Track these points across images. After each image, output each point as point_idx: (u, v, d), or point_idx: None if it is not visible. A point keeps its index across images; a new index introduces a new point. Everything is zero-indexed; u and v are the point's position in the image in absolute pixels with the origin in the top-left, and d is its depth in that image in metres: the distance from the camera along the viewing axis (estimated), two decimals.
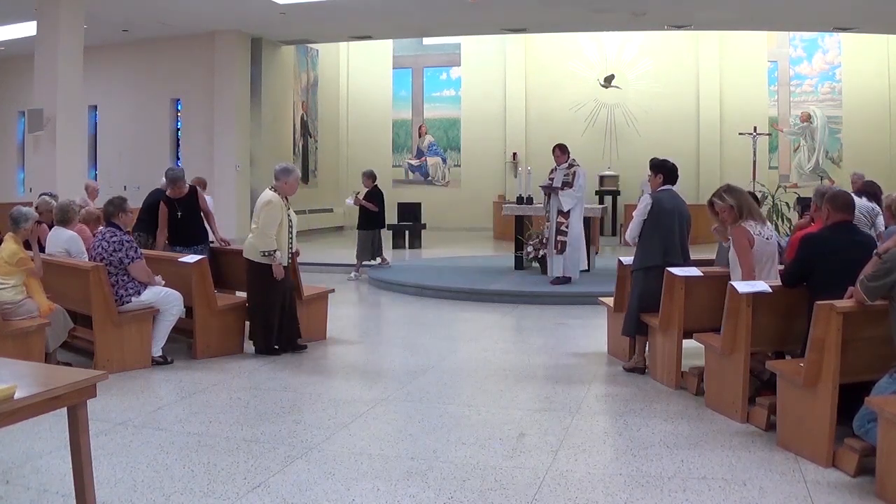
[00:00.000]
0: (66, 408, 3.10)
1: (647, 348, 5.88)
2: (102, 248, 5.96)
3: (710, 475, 3.86)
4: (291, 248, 6.48)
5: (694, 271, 5.44)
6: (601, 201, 16.61)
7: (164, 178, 7.91)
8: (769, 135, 17.49)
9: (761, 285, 4.66)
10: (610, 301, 6.50)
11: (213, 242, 7.84)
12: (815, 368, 3.96)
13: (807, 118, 17.67)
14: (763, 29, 16.88)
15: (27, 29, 13.49)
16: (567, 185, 9.44)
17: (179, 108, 17.01)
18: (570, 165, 9.53)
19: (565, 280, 9.56)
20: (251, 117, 16.52)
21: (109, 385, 4.79)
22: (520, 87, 19.15)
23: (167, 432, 4.50)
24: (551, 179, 9.63)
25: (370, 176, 11.60)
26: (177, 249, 7.39)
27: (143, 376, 5.75)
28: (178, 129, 17.07)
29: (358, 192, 11.68)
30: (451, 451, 4.23)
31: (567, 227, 9.45)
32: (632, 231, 5.98)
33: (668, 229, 5.81)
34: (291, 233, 6.48)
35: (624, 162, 17.90)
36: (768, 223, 5.28)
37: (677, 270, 5.46)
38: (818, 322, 3.94)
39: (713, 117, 18.04)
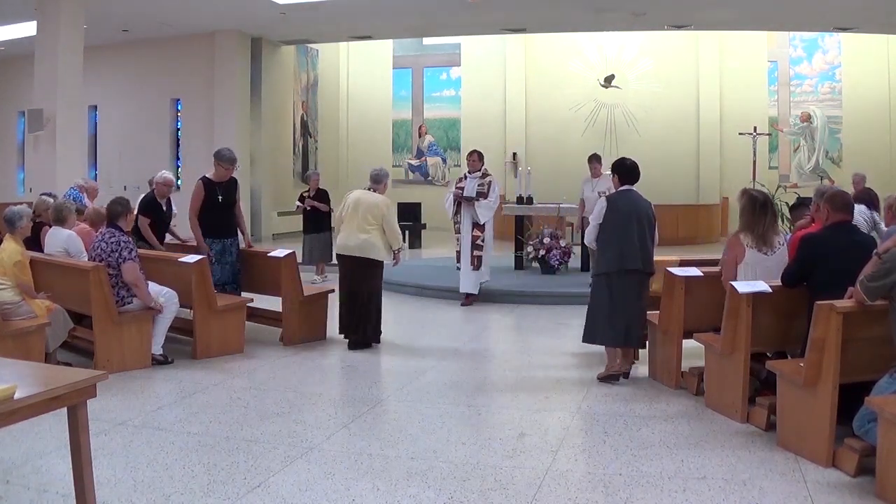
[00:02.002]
0: (66, 408, 3.11)
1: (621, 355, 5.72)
2: (101, 248, 5.96)
3: (710, 475, 3.86)
4: None
5: (694, 271, 5.43)
6: None
7: (157, 179, 7.77)
8: (769, 135, 17.48)
9: (761, 285, 4.66)
10: None
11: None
12: (815, 368, 3.97)
13: (807, 118, 17.67)
14: (763, 29, 16.88)
15: (27, 29, 13.49)
16: (482, 195, 8.79)
17: (179, 108, 17.02)
18: (484, 175, 8.92)
19: (473, 297, 9.00)
20: (251, 117, 16.53)
21: (109, 385, 4.79)
22: (520, 87, 19.13)
23: (167, 432, 4.50)
24: (460, 188, 8.95)
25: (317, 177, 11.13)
26: (209, 241, 6.95)
27: (143, 376, 5.75)
28: (178, 129, 17.07)
29: (305, 193, 11.04)
30: (451, 451, 4.23)
31: (482, 241, 8.85)
32: (588, 236, 5.76)
33: (623, 234, 5.51)
34: None
35: None
36: (779, 236, 5.15)
37: (677, 270, 5.46)
38: (818, 322, 3.94)
39: (713, 117, 18.03)
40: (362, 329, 6.78)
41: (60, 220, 6.52)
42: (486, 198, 8.81)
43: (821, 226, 4.87)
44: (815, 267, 4.50)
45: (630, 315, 5.57)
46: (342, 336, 6.88)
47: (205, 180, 7.08)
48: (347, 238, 6.78)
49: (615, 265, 5.53)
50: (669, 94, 18.08)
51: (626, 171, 5.75)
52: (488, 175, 8.99)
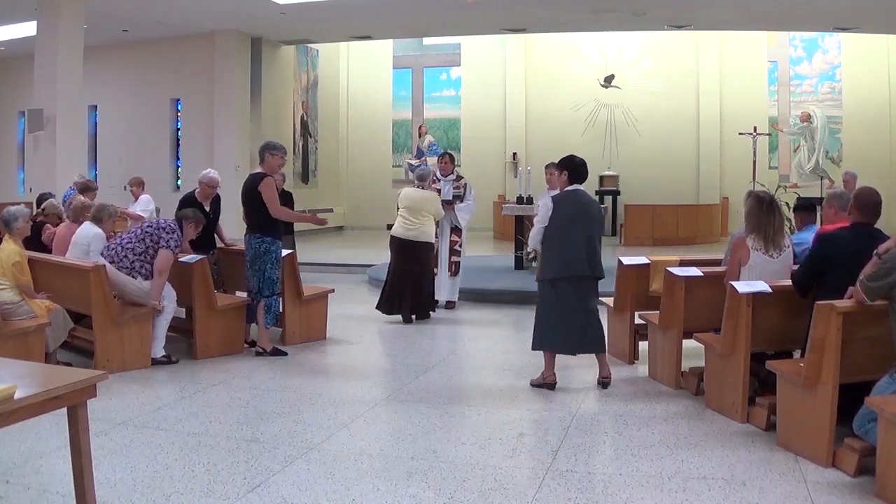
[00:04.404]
0: (66, 408, 3.11)
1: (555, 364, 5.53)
2: (158, 224, 6.15)
3: (710, 475, 3.86)
4: None
5: (694, 271, 5.43)
6: (601, 201, 16.62)
7: (201, 178, 7.49)
8: (769, 135, 17.49)
9: (761, 285, 4.65)
10: (610, 301, 6.50)
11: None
12: (815, 368, 3.96)
13: (807, 118, 17.67)
14: (763, 29, 16.88)
15: (27, 29, 13.49)
16: (458, 199, 8.65)
17: (179, 108, 17.01)
18: (459, 177, 8.84)
19: (451, 305, 8.76)
20: (251, 117, 16.52)
21: (109, 385, 4.79)
22: (520, 87, 19.13)
23: (167, 432, 4.50)
24: (434, 191, 8.49)
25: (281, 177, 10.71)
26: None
27: (143, 376, 5.75)
28: (178, 129, 17.07)
29: None
30: (451, 451, 4.23)
31: (460, 245, 8.68)
32: (533, 239, 5.50)
33: (568, 238, 5.28)
34: None
35: (624, 162, 17.93)
36: (786, 237, 5.09)
37: (677, 270, 5.46)
38: (818, 322, 3.94)
39: (713, 117, 18.03)
40: (425, 301, 7.95)
41: (98, 219, 6.48)
42: (462, 201, 8.70)
43: (847, 223, 4.60)
44: (827, 267, 4.37)
45: (584, 320, 5.37)
46: (381, 312, 7.92)
47: (272, 177, 6.50)
48: (406, 228, 7.92)
49: (561, 272, 5.32)
50: (669, 94, 18.08)
51: (574, 168, 5.45)
52: (462, 177, 8.92)
